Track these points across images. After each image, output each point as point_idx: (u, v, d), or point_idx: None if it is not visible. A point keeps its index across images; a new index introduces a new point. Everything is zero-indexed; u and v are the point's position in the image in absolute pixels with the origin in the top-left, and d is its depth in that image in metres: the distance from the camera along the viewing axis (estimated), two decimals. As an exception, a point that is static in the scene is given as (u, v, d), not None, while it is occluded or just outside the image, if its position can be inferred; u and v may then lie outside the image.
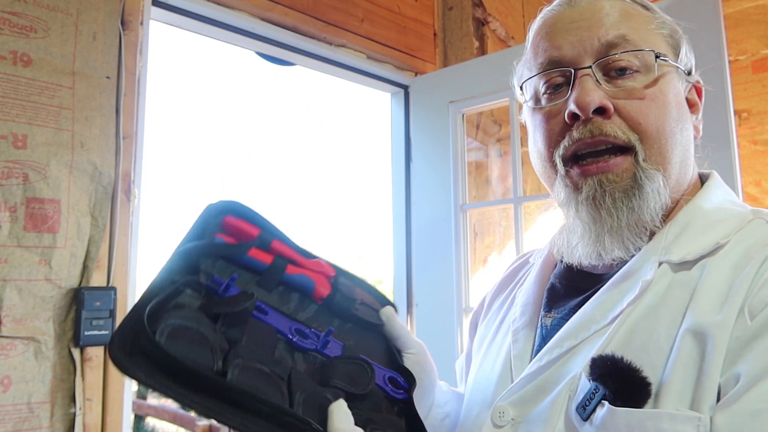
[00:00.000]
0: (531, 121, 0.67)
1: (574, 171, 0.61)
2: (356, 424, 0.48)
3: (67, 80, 1.25)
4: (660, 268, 0.57)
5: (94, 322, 1.22)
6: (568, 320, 0.61)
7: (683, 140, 0.61)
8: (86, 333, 1.21)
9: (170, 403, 7.12)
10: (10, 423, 1.11)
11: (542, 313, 0.67)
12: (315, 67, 1.94)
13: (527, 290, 0.72)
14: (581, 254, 0.62)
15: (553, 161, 0.62)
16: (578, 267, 0.66)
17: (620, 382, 0.51)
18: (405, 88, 2.14)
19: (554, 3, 0.66)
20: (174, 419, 6.40)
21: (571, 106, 0.59)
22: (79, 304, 1.20)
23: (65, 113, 1.24)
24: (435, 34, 2.24)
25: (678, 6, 1.39)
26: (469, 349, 0.85)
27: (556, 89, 0.63)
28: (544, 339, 0.64)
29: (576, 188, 0.61)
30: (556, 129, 0.62)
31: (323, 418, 0.47)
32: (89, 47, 1.29)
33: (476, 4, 2.21)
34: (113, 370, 1.26)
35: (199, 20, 1.58)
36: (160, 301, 0.48)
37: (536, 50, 0.65)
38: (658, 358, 0.52)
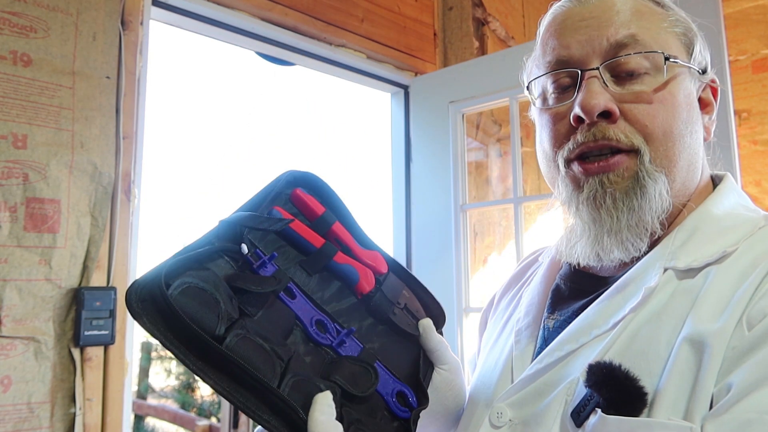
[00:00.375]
0: (538, 121, 0.66)
1: (576, 168, 0.60)
2: (342, 422, 0.48)
3: (67, 80, 1.25)
4: (665, 274, 0.56)
5: (94, 322, 1.22)
6: (570, 323, 0.61)
7: (692, 143, 0.60)
8: (86, 333, 1.21)
9: (170, 403, 7.12)
10: (10, 423, 1.11)
11: (545, 314, 0.67)
12: (315, 67, 1.94)
13: (533, 290, 0.71)
14: (580, 254, 0.61)
15: (557, 162, 0.62)
16: (583, 269, 0.66)
17: (614, 390, 0.50)
18: (405, 88, 2.14)
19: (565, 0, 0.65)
20: (174, 419, 6.40)
21: (576, 110, 0.58)
22: (79, 304, 1.20)
23: (65, 113, 1.24)
24: (435, 34, 2.24)
25: (678, 6, 1.39)
26: (479, 346, 0.84)
27: (563, 90, 0.62)
28: (546, 341, 0.64)
29: (577, 187, 0.60)
30: (562, 131, 0.61)
31: (307, 406, 0.47)
32: (89, 47, 1.29)
33: (476, 4, 2.21)
34: (113, 370, 1.26)
35: (199, 20, 1.58)
36: (188, 258, 0.49)
37: (545, 48, 0.64)
38: (657, 365, 0.51)
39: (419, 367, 0.63)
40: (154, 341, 7.87)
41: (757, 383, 0.44)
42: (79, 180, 1.25)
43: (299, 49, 1.82)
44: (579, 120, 0.58)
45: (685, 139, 0.59)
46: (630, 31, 0.58)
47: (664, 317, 0.54)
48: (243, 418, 3.94)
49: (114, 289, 1.27)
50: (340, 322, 0.58)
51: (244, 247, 0.54)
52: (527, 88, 0.68)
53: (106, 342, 1.24)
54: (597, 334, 0.57)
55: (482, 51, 2.20)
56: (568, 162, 0.61)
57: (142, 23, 1.41)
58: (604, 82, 0.58)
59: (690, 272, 0.55)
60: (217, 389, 0.44)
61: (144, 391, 7.45)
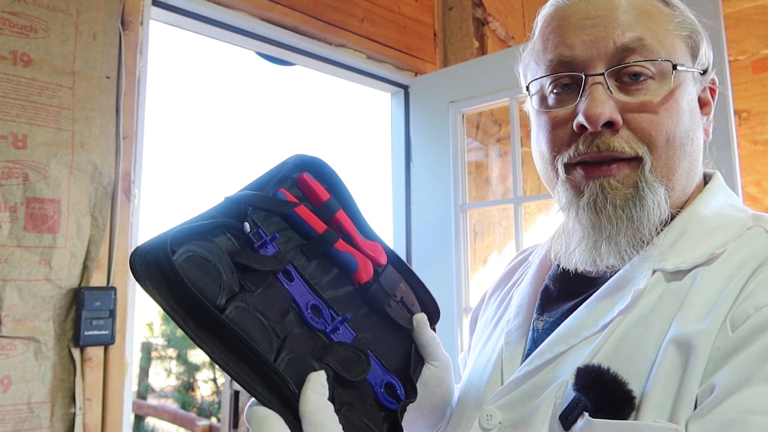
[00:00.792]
0: (535, 120, 0.65)
1: (578, 172, 0.59)
2: (333, 402, 0.48)
3: (67, 80, 1.25)
4: (654, 276, 0.56)
5: (94, 322, 1.22)
6: (559, 324, 0.60)
7: (693, 150, 0.59)
8: (86, 333, 1.21)
9: (170, 403, 7.12)
10: (10, 423, 1.11)
11: (535, 315, 0.67)
12: (315, 67, 1.94)
13: (523, 291, 0.71)
14: (578, 259, 0.61)
15: (555, 166, 0.61)
16: (572, 270, 0.65)
17: (602, 394, 0.50)
18: (405, 88, 2.14)
19: None
20: (174, 419, 6.40)
21: (580, 118, 0.56)
22: (79, 304, 1.20)
23: (65, 113, 1.24)
24: (435, 34, 2.24)
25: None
26: (470, 345, 0.84)
27: (564, 89, 0.60)
28: (535, 342, 0.63)
29: (578, 192, 0.59)
30: (563, 136, 0.60)
31: (301, 383, 0.47)
32: (89, 47, 1.29)
33: (476, 4, 2.21)
34: (113, 370, 1.26)
35: (199, 20, 1.58)
36: (192, 228, 0.49)
37: (546, 43, 0.61)
38: (644, 367, 0.51)
39: (410, 361, 0.63)
40: (154, 341, 7.87)
41: (740, 383, 0.45)
42: (79, 180, 1.25)
43: (299, 49, 1.82)
44: (582, 128, 0.57)
45: (687, 147, 0.58)
46: (637, 34, 0.57)
47: (652, 319, 0.53)
48: (243, 418, 3.94)
49: (114, 289, 1.27)
50: (335, 309, 0.58)
51: (247, 226, 0.55)
52: (527, 88, 0.66)
53: (106, 342, 1.24)
54: (586, 336, 0.57)
55: (482, 51, 2.20)
56: (568, 167, 0.60)
57: (142, 23, 1.41)
58: (609, 89, 0.57)
59: (678, 274, 0.55)
60: (214, 358, 0.45)
61: (144, 391, 7.45)
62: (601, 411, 0.50)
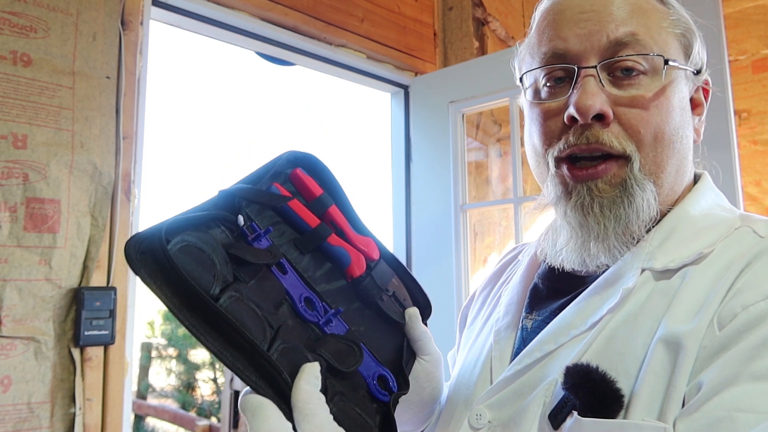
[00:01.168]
0: (529, 113, 0.65)
1: (565, 171, 0.59)
2: (326, 393, 0.48)
3: (67, 80, 1.25)
4: (642, 275, 0.56)
5: (94, 322, 1.22)
6: (548, 323, 0.61)
7: (681, 148, 0.59)
8: (86, 333, 1.21)
9: (170, 403, 7.12)
10: (10, 423, 1.11)
11: (524, 314, 0.67)
12: (315, 67, 1.94)
13: (512, 290, 0.71)
14: (565, 258, 0.61)
15: (546, 159, 0.61)
16: (561, 268, 0.65)
17: (591, 393, 0.50)
18: (405, 88, 2.14)
19: None
20: (174, 419, 6.40)
21: (571, 110, 0.57)
22: (79, 304, 1.20)
23: (65, 113, 1.24)
24: (435, 34, 2.24)
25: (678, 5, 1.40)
26: (459, 343, 0.85)
27: (557, 82, 0.60)
28: (524, 341, 0.64)
29: (566, 191, 0.60)
30: (554, 128, 0.60)
31: (294, 374, 0.47)
32: (89, 47, 1.29)
33: (476, 4, 2.21)
34: (113, 370, 1.26)
35: (199, 20, 1.58)
36: (187, 219, 0.50)
37: (541, 37, 0.62)
38: (633, 366, 0.51)
39: (402, 354, 0.63)
40: (154, 341, 7.86)
41: (726, 381, 0.45)
42: (79, 180, 1.25)
43: (299, 49, 1.82)
44: (573, 120, 0.57)
45: (676, 145, 0.58)
46: (630, 29, 0.57)
47: (641, 318, 0.54)
48: (243, 418, 3.94)
49: (114, 289, 1.27)
50: (328, 302, 0.59)
51: (241, 219, 0.55)
52: (520, 80, 0.66)
53: (106, 342, 1.24)
54: (575, 334, 0.57)
55: (482, 51, 2.20)
56: (557, 161, 0.60)
57: (142, 23, 1.41)
58: (601, 82, 0.57)
59: (667, 273, 0.55)
60: (208, 347, 0.45)
61: (144, 391, 7.45)
62: (590, 410, 0.50)
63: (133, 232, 1.33)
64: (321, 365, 0.50)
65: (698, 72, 0.63)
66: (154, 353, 7.85)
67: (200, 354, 7.65)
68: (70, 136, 1.24)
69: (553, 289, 0.66)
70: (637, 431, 0.47)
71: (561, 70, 0.60)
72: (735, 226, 0.57)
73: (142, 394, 7.36)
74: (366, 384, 0.56)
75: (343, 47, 1.90)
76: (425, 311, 0.69)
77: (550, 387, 0.56)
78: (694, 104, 0.64)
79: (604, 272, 0.59)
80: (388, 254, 0.67)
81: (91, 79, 1.29)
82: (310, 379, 0.47)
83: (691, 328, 0.49)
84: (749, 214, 0.59)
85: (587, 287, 0.60)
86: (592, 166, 0.57)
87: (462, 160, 1.97)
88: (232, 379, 4.02)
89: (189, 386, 7.48)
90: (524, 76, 0.65)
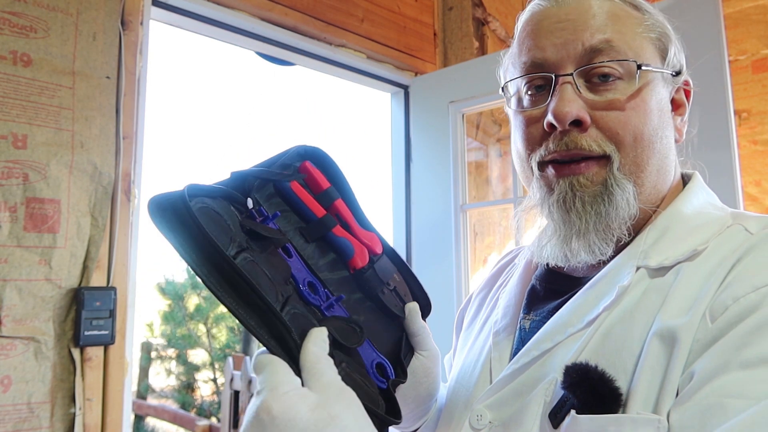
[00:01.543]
0: (513, 121, 0.67)
1: (549, 171, 0.61)
2: (333, 358, 0.49)
3: (67, 80, 1.25)
4: (637, 272, 0.58)
5: (94, 322, 1.22)
6: (545, 323, 0.62)
7: (662, 148, 0.61)
8: (86, 333, 1.21)
9: (170, 403, 7.13)
10: (10, 423, 1.11)
11: (521, 315, 0.68)
12: (315, 67, 1.94)
13: (509, 292, 0.72)
14: (549, 254, 0.63)
15: (530, 164, 0.63)
16: (558, 270, 0.67)
17: (590, 392, 0.51)
18: (405, 88, 2.14)
19: None
20: (174, 419, 6.40)
21: (549, 117, 0.59)
22: (79, 304, 1.20)
23: (65, 113, 1.24)
24: (435, 34, 2.24)
25: (678, 6, 1.39)
26: (455, 345, 0.86)
27: (538, 90, 0.63)
28: (523, 341, 0.64)
29: (549, 189, 0.61)
30: (535, 134, 0.62)
31: (303, 337, 0.48)
32: (89, 47, 1.29)
33: (476, 4, 2.21)
34: (113, 370, 1.26)
35: (199, 20, 1.58)
36: (204, 187, 0.51)
37: (521, 47, 0.64)
38: (630, 362, 0.52)
39: (401, 347, 0.64)
40: (154, 341, 7.87)
41: (717, 370, 0.46)
42: (79, 180, 1.25)
43: (299, 49, 1.82)
44: (552, 126, 0.59)
45: (655, 145, 0.60)
46: (605, 36, 0.59)
47: (637, 314, 0.55)
48: (243, 417, 3.93)
49: (114, 289, 1.27)
50: (330, 290, 0.59)
51: (250, 202, 0.56)
52: (503, 89, 0.68)
53: (106, 342, 1.24)
54: (572, 332, 0.58)
55: (482, 51, 2.20)
56: (540, 165, 0.62)
57: (142, 23, 1.41)
58: (578, 88, 0.59)
59: (661, 270, 0.57)
60: (225, 303, 0.46)
61: (144, 391, 7.45)
62: (589, 408, 0.51)
63: (133, 232, 1.33)
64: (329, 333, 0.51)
65: (678, 73, 0.64)
66: (153, 354, 7.85)
67: (200, 354, 7.65)
68: (70, 136, 1.24)
69: (550, 290, 0.67)
70: (631, 424, 0.48)
71: (540, 79, 0.62)
72: (727, 224, 0.58)
73: (142, 395, 7.36)
74: (365, 368, 0.57)
75: (343, 47, 1.90)
76: (425, 309, 0.69)
77: (550, 386, 0.56)
78: (676, 105, 0.65)
79: (599, 271, 0.60)
80: (390, 250, 0.68)
81: (91, 79, 1.29)
82: (317, 341, 0.48)
83: (684, 322, 0.50)
84: (740, 211, 0.61)
85: (583, 287, 0.61)
86: (574, 164, 0.59)
87: (462, 160, 1.97)
88: (231, 379, 4.02)
89: (189, 386, 7.49)
90: (508, 85, 0.67)
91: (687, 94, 0.67)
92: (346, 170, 0.66)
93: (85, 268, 1.24)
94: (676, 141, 0.65)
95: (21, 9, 1.21)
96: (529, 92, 0.63)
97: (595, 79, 0.59)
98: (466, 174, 1.98)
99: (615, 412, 0.50)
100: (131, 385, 1.32)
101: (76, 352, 1.20)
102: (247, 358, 4.09)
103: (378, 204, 2.17)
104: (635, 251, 0.59)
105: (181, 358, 7.60)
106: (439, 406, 0.75)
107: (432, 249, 1.98)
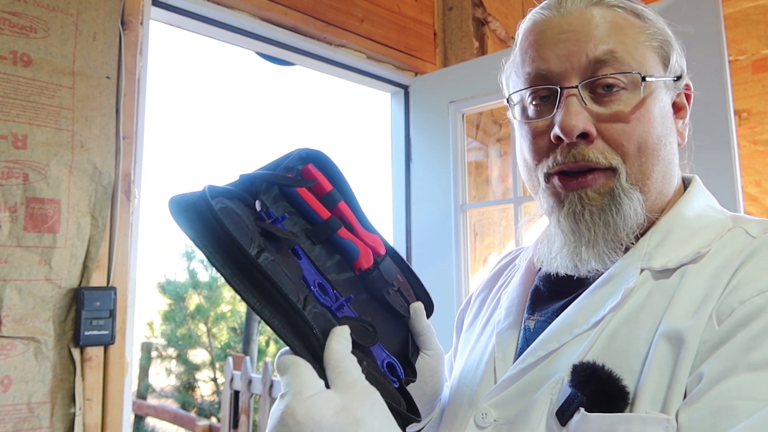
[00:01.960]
0: (518, 130, 0.68)
1: (556, 182, 0.62)
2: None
3: (67, 80, 1.25)
4: (642, 274, 0.59)
5: (94, 322, 1.22)
6: (550, 323, 0.62)
7: (666, 155, 0.62)
8: (86, 333, 1.21)
9: (170, 403, 7.13)
10: (10, 423, 1.11)
11: (525, 315, 0.69)
12: (315, 67, 1.94)
13: (512, 292, 0.73)
14: (560, 264, 0.63)
15: (537, 174, 0.64)
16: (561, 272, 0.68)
17: (598, 390, 0.52)
18: (405, 88, 2.14)
19: (545, 5, 0.65)
20: (174, 419, 6.40)
21: (556, 130, 0.59)
22: (79, 304, 1.20)
23: (65, 113, 1.24)
24: (435, 34, 2.24)
25: (678, 6, 1.39)
26: (456, 346, 0.86)
27: (542, 100, 0.63)
28: (527, 341, 0.65)
29: (558, 200, 0.62)
30: (542, 146, 0.63)
31: (325, 336, 0.49)
32: (89, 47, 1.29)
33: (476, 4, 2.21)
34: (113, 370, 1.26)
35: (199, 20, 1.58)
36: (220, 189, 0.52)
37: (524, 57, 0.64)
38: (636, 362, 0.53)
39: (407, 347, 0.65)
40: (154, 341, 7.87)
41: (725, 372, 0.47)
42: (79, 180, 1.25)
43: (299, 49, 1.82)
44: (559, 139, 0.60)
45: (660, 152, 0.61)
46: (608, 47, 0.59)
47: (642, 315, 0.56)
48: (243, 417, 3.94)
49: (114, 289, 1.27)
50: (338, 291, 0.60)
51: (258, 204, 0.57)
52: (507, 100, 0.69)
53: (106, 342, 1.24)
54: (578, 333, 0.59)
55: (482, 51, 2.20)
56: (547, 176, 0.63)
57: (142, 23, 1.41)
58: (583, 100, 0.59)
59: (665, 272, 0.58)
60: (250, 303, 0.46)
61: (144, 391, 7.45)
62: (597, 406, 0.52)
63: (134, 232, 1.33)
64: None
65: (679, 78, 0.65)
66: (153, 353, 7.85)
67: (200, 354, 7.65)
68: (70, 136, 1.24)
69: (555, 291, 0.68)
70: (640, 424, 0.49)
71: (545, 90, 0.63)
72: (728, 227, 0.59)
73: (142, 395, 7.36)
74: (379, 368, 0.58)
75: (343, 47, 1.90)
76: (428, 309, 0.70)
77: (557, 385, 0.57)
78: (677, 108, 0.66)
79: (603, 272, 0.61)
80: (393, 251, 0.69)
81: (91, 79, 1.29)
82: (341, 339, 0.48)
83: (691, 324, 0.51)
84: (739, 215, 0.62)
85: (588, 288, 0.62)
86: (582, 175, 0.60)
87: (462, 160, 1.97)
88: (231, 379, 4.02)
89: (189, 386, 7.49)
90: (511, 97, 0.68)
91: (687, 97, 0.68)
92: (347, 172, 0.67)
93: (85, 268, 1.24)
94: (679, 145, 0.66)
95: (21, 9, 1.21)
96: (534, 102, 0.64)
97: (599, 89, 0.60)
98: (466, 174, 1.98)
99: (622, 411, 0.51)
100: (131, 385, 1.32)
101: (76, 352, 1.20)
102: (247, 358, 4.10)
103: (378, 204, 2.17)
104: (638, 253, 0.60)
105: (182, 358, 7.60)
106: (441, 405, 0.75)
107: (432, 249, 1.98)
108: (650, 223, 0.62)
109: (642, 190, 0.60)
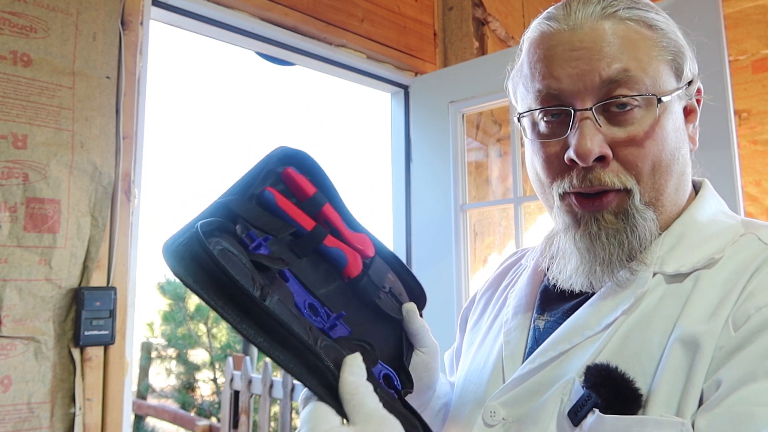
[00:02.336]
0: (530, 145, 0.67)
1: (573, 200, 0.62)
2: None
3: (67, 80, 1.25)
4: (654, 278, 0.59)
5: (94, 322, 1.22)
6: (561, 324, 0.62)
7: (679, 168, 0.61)
8: (86, 333, 1.21)
9: (170, 403, 7.12)
10: (10, 423, 1.11)
11: (535, 315, 0.69)
12: (315, 67, 1.94)
13: (519, 292, 0.73)
14: (575, 282, 0.63)
15: (551, 193, 0.63)
16: None
17: (612, 391, 0.53)
18: (405, 88, 2.14)
19: (552, 15, 0.62)
20: (174, 419, 6.40)
21: (571, 154, 0.58)
22: (79, 304, 1.20)
23: (65, 113, 1.24)
24: (435, 34, 2.24)
25: (678, 6, 1.39)
26: (459, 344, 0.86)
27: (554, 117, 0.62)
28: (537, 341, 0.65)
29: (574, 218, 0.62)
30: (557, 166, 0.62)
31: (337, 368, 0.48)
32: (89, 47, 1.29)
33: (476, 4, 2.21)
34: (113, 370, 1.26)
35: (199, 20, 1.58)
36: (210, 223, 0.50)
37: (533, 71, 0.62)
38: (650, 365, 0.54)
39: (402, 350, 0.64)
40: (154, 341, 7.86)
41: (745, 378, 0.47)
42: (79, 180, 1.25)
43: (299, 49, 1.82)
44: (573, 162, 0.59)
45: (673, 168, 0.60)
46: (621, 65, 0.57)
47: (655, 319, 0.56)
48: (243, 417, 3.94)
49: (114, 289, 1.27)
50: (329, 306, 0.59)
51: (238, 228, 0.55)
52: (518, 120, 0.67)
53: (106, 342, 1.24)
54: (589, 335, 0.59)
55: (482, 51, 2.20)
56: (562, 195, 0.62)
57: (142, 23, 1.41)
58: (597, 121, 0.58)
59: (678, 277, 0.58)
60: (260, 347, 0.45)
61: (144, 391, 7.45)
62: (611, 407, 0.52)
63: (133, 232, 1.33)
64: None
65: (690, 82, 0.64)
66: (153, 353, 7.84)
67: (200, 354, 7.65)
68: (70, 136, 1.24)
69: (564, 291, 0.67)
70: (656, 427, 0.50)
71: (557, 109, 0.61)
72: (740, 233, 0.60)
73: (142, 395, 7.35)
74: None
75: (343, 47, 1.90)
76: (420, 301, 0.70)
77: (568, 385, 0.57)
78: (687, 112, 0.65)
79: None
80: (381, 248, 0.68)
81: (91, 79, 1.29)
82: (353, 369, 0.47)
83: (707, 329, 0.52)
84: (750, 219, 0.63)
85: (599, 290, 0.62)
86: (597, 198, 0.60)
87: (462, 160, 1.97)
88: (231, 379, 4.02)
89: (189, 386, 7.48)
90: (521, 108, 0.67)
91: (698, 100, 0.67)
92: (339, 174, 0.66)
93: (85, 268, 1.24)
94: (691, 150, 0.65)
95: (21, 9, 1.21)
96: (545, 119, 0.62)
97: (613, 108, 0.58)
98: (466, 174, 1.98)
99: (635, 413, 0.52)
100: (131, 385, 1.32)
101: (76, 352, 1.20)
102: (247, 358, 4.09)
103: (378, 204, 2.17)
104: (651, 257, 0.60)
105: (182, 358, 7.60)
106: (447, 403, 0.75)
107: (432, 249, 1.98)
108: (662, 227, 0.62)
109: (656, 207, 0.60)
